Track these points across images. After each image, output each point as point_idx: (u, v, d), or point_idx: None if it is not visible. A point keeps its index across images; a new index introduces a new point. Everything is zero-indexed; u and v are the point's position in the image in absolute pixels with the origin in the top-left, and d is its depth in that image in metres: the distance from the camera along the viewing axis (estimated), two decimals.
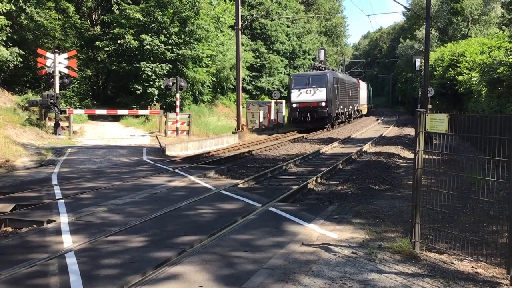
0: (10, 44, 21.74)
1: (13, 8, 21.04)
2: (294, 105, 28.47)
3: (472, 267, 5.06)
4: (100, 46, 28.42)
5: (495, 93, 15.38)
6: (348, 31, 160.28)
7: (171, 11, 27.64)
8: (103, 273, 4.94)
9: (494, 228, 6.31)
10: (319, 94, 28.19)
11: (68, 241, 6.08)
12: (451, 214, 7.00)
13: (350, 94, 37.15)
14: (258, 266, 5.00)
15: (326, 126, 29.88)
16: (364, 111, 52.41)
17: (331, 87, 28.79)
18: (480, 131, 5.32)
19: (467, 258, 5.24)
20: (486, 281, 4.66)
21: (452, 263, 5.14)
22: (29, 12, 22.41)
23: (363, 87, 51.70)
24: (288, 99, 30.09)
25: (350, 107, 37.69)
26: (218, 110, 35.33)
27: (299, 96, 28.44)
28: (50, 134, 19.94)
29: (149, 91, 27.21)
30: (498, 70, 14.45)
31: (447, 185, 5.59)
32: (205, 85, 30.62)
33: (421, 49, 48.60)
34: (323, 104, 27.99)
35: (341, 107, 32.65)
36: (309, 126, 28.66)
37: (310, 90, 28.34)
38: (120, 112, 24.40)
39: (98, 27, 35.21)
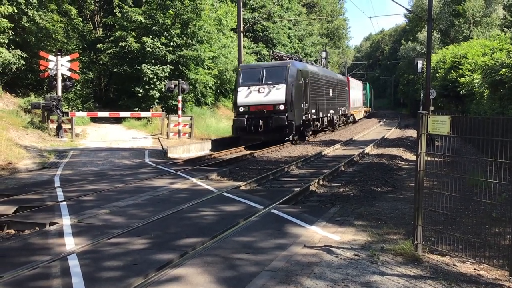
0: (13, 47, 21.82)
1: (15, 10, 21.12)
2: (240, 109, 20.31)
3: (475, 269, 5.05)
4: (102, 48, 28.50)
5: (497, 95, 15.37)
6: (350, 33, 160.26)
7: (172, 12, 27.71)
8: (106, 275, 4.95)
9: (496, 230, 6.30)
10: (276, 94, 20.11)
11: (70, 243, 6.09)
12: (453, 216, 6.99)
13: (330, 94, 28.73)
14: (260, 268, 5.00)
15: (288, 138, 21.20)
16: (359, 116, 45.03)
17: (295, 83, 20.50)
18: (482, 133, 5.32)
19: (470, 260, 5.23)
20: (488, 283, 4.65)
21: (455, 265, 5.13)
22: (31, 15, 22.48)
23: (355, 86, 44.14)
24: (234, 100, 21.67)
25: (331, 111, 28.72)
26: (220, 112, 35.36)
27: (248, 96, 20.33)
28: (52, 136, 19.98)
29: (150, 94, 27.27)
30: (500, 72, 14.44)
31: (449, 187, 5.58)
32: (207, 87, 30.62)
33: (423, 51, 48.62)
34: (281, 107, 19.82)
35: (313, 111, 23.59)
36: (262, 138, 20.68)
37: (264, 88, 20.24)
38: (122, 114, 24.45)
39: (100, 29, 35.32)
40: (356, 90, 43.92)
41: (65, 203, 8.58)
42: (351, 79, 42.46)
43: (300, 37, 52.78)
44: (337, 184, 11.43)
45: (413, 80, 54.17)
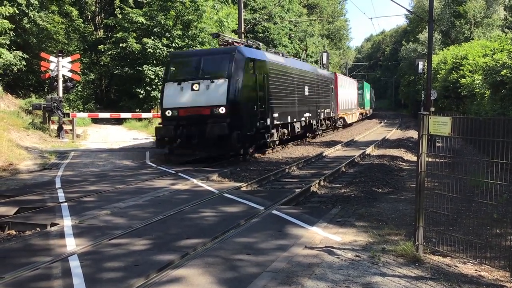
0: (14, 48, 21.88)
1: (16, 11, 21.16)
2: (167, 113, 14.86)
3: (476, 270, 5.04)
4: (103, 49, 28.54)
5: (498, 95, 15.35)
6: (351, 34, 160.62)
7: (174, 13, 27.75)
8: (107, 276, 4.95)
9: (497, 231, 6.30)
10: (215, 92, 14.58)
11: (71, 244, 6.10)
12: (454, 217, 6.99)
13: (306, 92, 22.59)
14: (261, 269, 5.00)
15: (235, 153, 15.84)
16: (351, 118, 38.94)
17: (243, 78, 14.94)
18: (484, 134, 5.32)
19: (471, 261, 5.22)
20: (489, 284, 4.64)
21: (456, 266, 5.12)
22: (32, 16, 22.53)
23: (346, 84, 37.86)
24: (160, 101, 16.06)
25: (307, 115, 22.58)
26: None
27: (178, 95, 14.87)
28: (53, 137, 20.01)
29: (152, 95, 27.29)
30: (501, 73, 14.42)
31: (450, 188, 5.58)
32: None
33: (424, 52, 48.63)
34: (222, 110, 14.32)
35: (276, 115, 17.71)
36: (197, 153, 15.51)
37: (199, 84, 14.65)
38: (123, 115, 24.49)
39: (101, 30, 35.40)
40: (348, 89, 38.11)
41: (66, 204, 8.59)
42: (340, 75, 36.18)
43: (301, 38, 52.79)
44: (338, 185, 11.42)
45: (414, 81, 54.11)
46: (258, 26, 44.09)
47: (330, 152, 18.97)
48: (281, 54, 21.38)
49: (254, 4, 44.72)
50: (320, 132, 26.61)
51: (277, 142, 18.85)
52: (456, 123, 5.23)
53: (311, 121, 23.55)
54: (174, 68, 15.71)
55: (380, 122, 46.74)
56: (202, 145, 14.68)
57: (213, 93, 14.59)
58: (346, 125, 36.60)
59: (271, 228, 6.70)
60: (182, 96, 14.80)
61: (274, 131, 17.85)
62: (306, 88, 22.77)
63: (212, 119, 14.31)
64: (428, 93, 23.11)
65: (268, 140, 17.33)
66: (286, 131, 19.51)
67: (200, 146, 14.70)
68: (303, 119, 21.83)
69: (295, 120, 20.40)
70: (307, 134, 24.27)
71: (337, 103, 31.71)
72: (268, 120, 16.86)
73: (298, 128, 21.12)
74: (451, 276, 4.78)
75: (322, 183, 11.43)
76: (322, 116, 26.03)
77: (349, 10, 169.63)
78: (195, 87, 14.67)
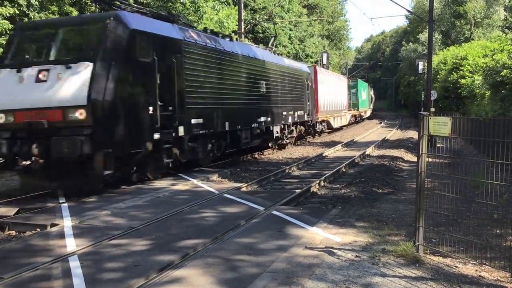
0: None
1: (17, 12, 21.18)
2: None
3: (476, 270, 5.04)
4: None
5: (498, 96, 15.34)
6: (351, 34, 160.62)
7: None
8: (107, 276, 4.96)
9: (498, 231, 6.29)
10: (71, 85, 8.87)
11: (71, 244, 6.10)
12: (454, 217, 6.98)
13: (262, 89, 17.12)
14: (261, 270, 5.00)
15: (105, 184, 9.76)
16: (339, 122, 33.62)
17: (123, 61, 9.55)
18: (484, 134, 5.32)
19: (471, 262, 5.22)
20: (490, 285, 4.64)
21: (456, 267, 5.12)
22: (32, 16, 22.54)
23: (331, 81, 31.38)
24: None
25: (265, 119, 17.16)
26: None
27: (15, 90, 9.24)
28: None
29: None
30: (502, 73, 14.41)
31: (450, 189, 5.58)
32: None
33: (424, 52, 48.61)
34: (79, 114, 8.77)
35: (198, 121, 12.34)
36: (45, 185, 9.46)
37: (49, 72, 9.06)
38: None
39: None
40: (334, 87, 31.73)
41: (66, 204, 8.59)
42: (321, 70, 30.10)
43: (301, 38, 52.78)
44: (338, 186, 11.43)
45: (414, 81, 54.11)
46: (258, 26, 44.11)
47: (330, 153, 18.97)
48: (220, 35, 15.01)
49: (254, 4, 44.74)
50: (288, 141, 21.03)
51: (208, 161, 13.75)
52: (456, 123, 5.23)
53: (272, 127, 18.01)
54: (17, 46, 10.19)
55: (380, 123, 46.76)
56: (49, 171, 9.21)
57: (67, 85, 8.96)
58: (335, 129, 32.35)
59: (271, 228, 6.70)
60: (21, 90, 9.24)
61: (195, 144, 12.54)
62: (263, 84, 17.08)
63: (64, 129, 8.93)
64: (428, 93, 23.09)
65: (181, 159, 12.01)
66: (223, 143, 14.43)
67: (46, 172, 9.23)
68: (255, 125, 16.33)
69: (239, 127, 15.08)
70: (270, 145, 19.12)
71: (316, 104, 25.96)
72: (181, 128, 11.58)
73: (246, 139, 15.83)
74: (452, 277, 4.78)
75: (322, 183, 11.44)
76: (290, 120, 20.28)
77: (349, 10, 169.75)
78: (42, 76, 9.14)
